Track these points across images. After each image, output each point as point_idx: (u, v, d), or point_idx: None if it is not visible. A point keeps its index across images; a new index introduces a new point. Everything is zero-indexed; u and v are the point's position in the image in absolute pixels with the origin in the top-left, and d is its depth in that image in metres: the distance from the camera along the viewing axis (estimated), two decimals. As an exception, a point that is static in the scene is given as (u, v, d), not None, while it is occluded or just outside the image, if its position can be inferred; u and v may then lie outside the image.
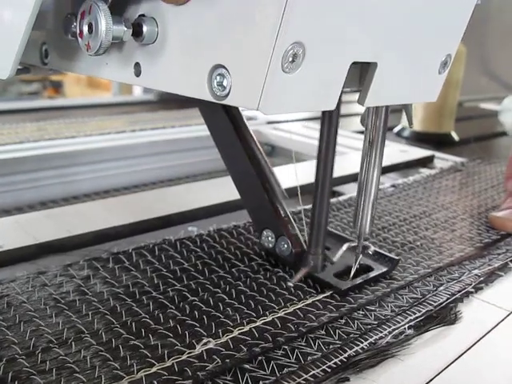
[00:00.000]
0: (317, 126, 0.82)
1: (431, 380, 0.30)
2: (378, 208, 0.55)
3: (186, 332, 0.32)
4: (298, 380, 0.28)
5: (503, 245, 0.48)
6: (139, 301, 0.35)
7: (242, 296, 0.36)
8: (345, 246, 0.40)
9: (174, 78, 0.28)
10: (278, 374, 0.29)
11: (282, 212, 0.41)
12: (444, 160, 0.81)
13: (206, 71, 0.26)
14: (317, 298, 0.36)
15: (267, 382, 0.28)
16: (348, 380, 0.29)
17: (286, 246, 0.40)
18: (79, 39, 0.29)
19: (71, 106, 1.09)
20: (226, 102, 0.25)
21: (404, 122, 1.00)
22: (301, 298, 0.36)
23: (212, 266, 0.40)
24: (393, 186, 0.63)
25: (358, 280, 0.39)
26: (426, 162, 0.80)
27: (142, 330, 0.31)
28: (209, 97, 0.26)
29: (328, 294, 0.37)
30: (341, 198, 0.57)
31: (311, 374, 0.29)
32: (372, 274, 0.40)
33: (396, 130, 1.02)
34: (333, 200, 0.55)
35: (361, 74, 0.29)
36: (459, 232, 0.51)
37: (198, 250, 0.42)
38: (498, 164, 0.77)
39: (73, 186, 0.73)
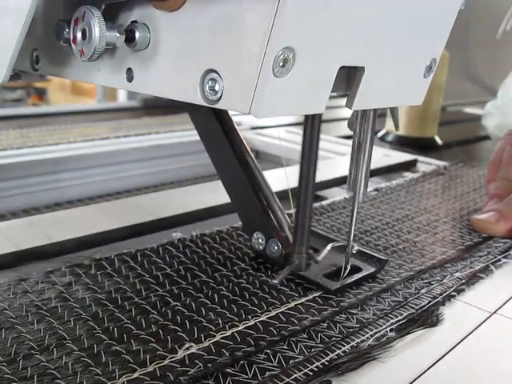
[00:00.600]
0: (298, 130, 0.83)
1: (413, 381, 0.30)
2: (360, 212, 0.55)
3: (169, 337, 0.31)
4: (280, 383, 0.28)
5: (485, 247, 0.49)
6: (121, 306, 0.34)
7: (225, 300, 0.36)
8: (329, 246, 0.41)
9: (166, 82, 0.28)
10: (260, 378, 0.29)
11: (272, 214, 0.41)
12: (427, 164, 0.81)
13: (198, 76, 0.26)
14: (299, 302, 0.37)
15: (249, 385, 0.28)
16: (330, 383, 0.29)
17: (276, 247, 0.40)
18: (72, 45, 0.29)
19: (55, 113, 1.08)
20: (218, 106, 0.26)
21: (388, 126, 1.01)
22: (283, 301, 0.36)
23: (194, 271, 0.40)
24: (376, 189, 0.63)
25: (348, 280, 0.39)
26: (409, 166, 0.81)
27: (124, 336, 0.31)
28: (201, 101, 0.26)
29: (310, 297, 0.37)
30: (324, 203, 0.57)
31: (293, 377, 0.29)
32: (361, 275, 0.40)
33: (380, 134, 1.02)
34: (316, 204, 0.56)
35: (348, 78, 0.30)
36: (441, 235, 0.51)
37: (181, 255, 0.42)
38: (480, 167, 0.77)
39: (56, 192, 0.72)
